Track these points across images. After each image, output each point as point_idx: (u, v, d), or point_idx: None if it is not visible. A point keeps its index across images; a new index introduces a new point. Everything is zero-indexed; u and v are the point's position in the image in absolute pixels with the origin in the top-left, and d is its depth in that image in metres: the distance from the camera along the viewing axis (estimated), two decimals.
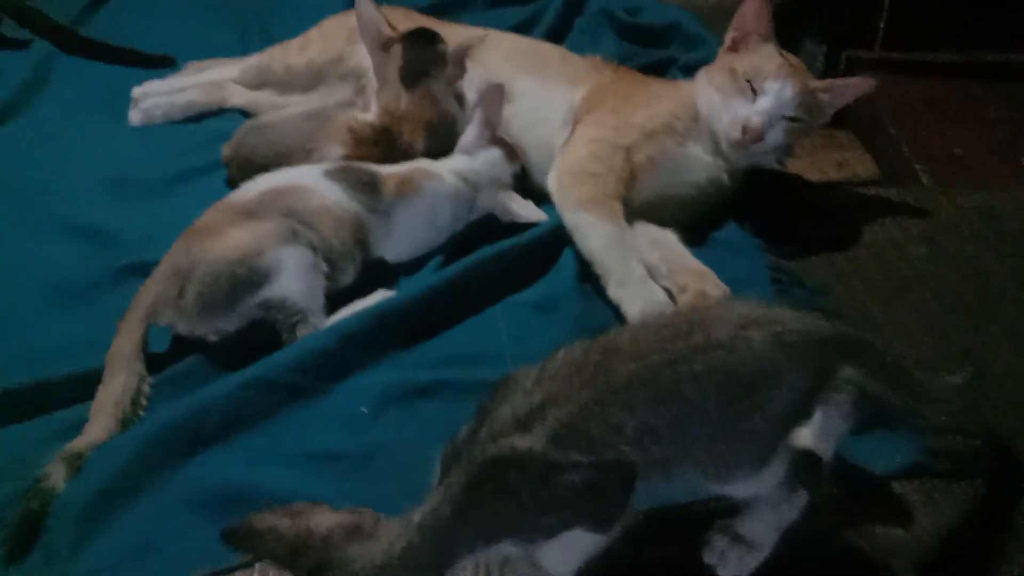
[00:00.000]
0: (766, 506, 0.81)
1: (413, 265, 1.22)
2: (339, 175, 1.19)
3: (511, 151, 1.28)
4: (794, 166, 1.45)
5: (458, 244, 1.24)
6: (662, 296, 1.12)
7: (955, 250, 1.26)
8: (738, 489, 0.79)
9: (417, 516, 0.71)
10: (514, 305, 1.16)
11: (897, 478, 0.92)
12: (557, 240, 1.21)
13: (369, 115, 1.32)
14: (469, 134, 1.28)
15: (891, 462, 0.93)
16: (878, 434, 0.94)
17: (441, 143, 1.31)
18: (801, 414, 0.76)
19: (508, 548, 0.73)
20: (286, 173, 1.20)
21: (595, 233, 1.16)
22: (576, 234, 1.18)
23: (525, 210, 1.25)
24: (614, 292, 1.13)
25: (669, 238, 1.20)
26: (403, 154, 1.29)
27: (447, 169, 1.25)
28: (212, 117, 1.60)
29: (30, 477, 0.91)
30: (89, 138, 1.56)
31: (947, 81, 1.78)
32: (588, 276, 1.18)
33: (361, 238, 1.17)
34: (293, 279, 1.07)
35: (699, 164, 1.25)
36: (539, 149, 1.32)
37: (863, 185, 1.42)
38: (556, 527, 0.73)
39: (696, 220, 1.26)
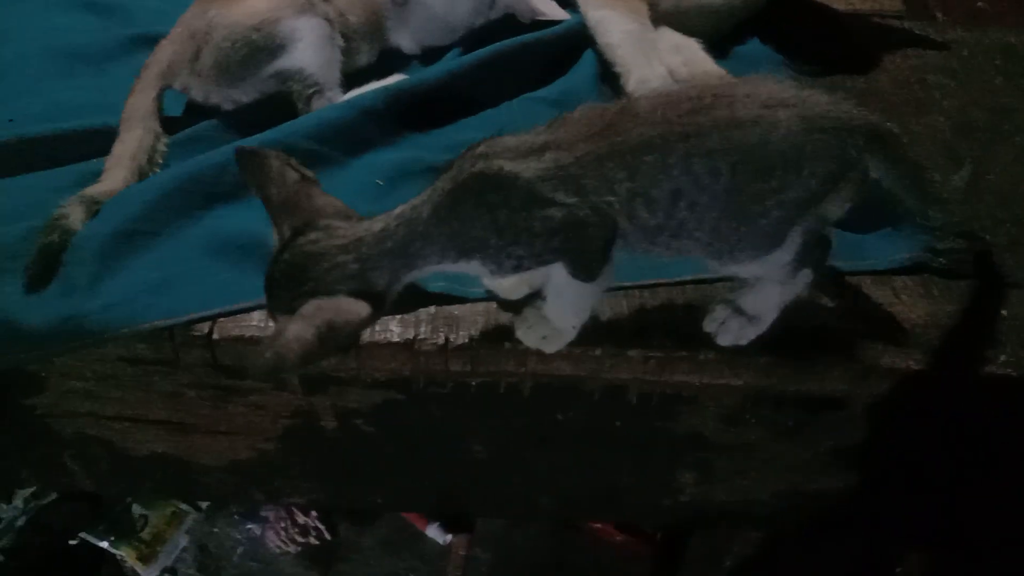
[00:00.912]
0: (771, 282, 0.83)
1: (430, 57, 1.20)
2: None
3: None
4: None
5: (476, 41, 1.21)
6: None
7: (974, 81, 1.25)
8: (743, 270, 0.81)
9: (398, 209, 0.73)
10: (531, 100, 1.15)
11: (898, 274, 0.94)
12: (578, 39, 1.19)
13: None
14: None
15: (893, 259, 0.95)
16: (881, 232, 0.97)
17: None
18: (817, 201, 0.75)
19: (477, 268, 0.75)
20: None
21: (618, 30, 1.14)
22: (598, 31, 1.16)
23: (547, 7, 1.22)
24: (632, 89, 1.12)
25: (692, 45, 1.18)
26: None
27: None
28: None
29: (48, 216, 0.92)
30: None
31: None
32: (607, 78, 1.16)
33: (378, 21, 1.15)
34: (309, 49, 1.06)
35: None
36: None
37: (888, 17, 1.40)
38: (526, 260, 0.74)
39: (720, 32, 1.24)
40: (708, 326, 0.86)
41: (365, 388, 0.91)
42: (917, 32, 1.35)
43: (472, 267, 0.76)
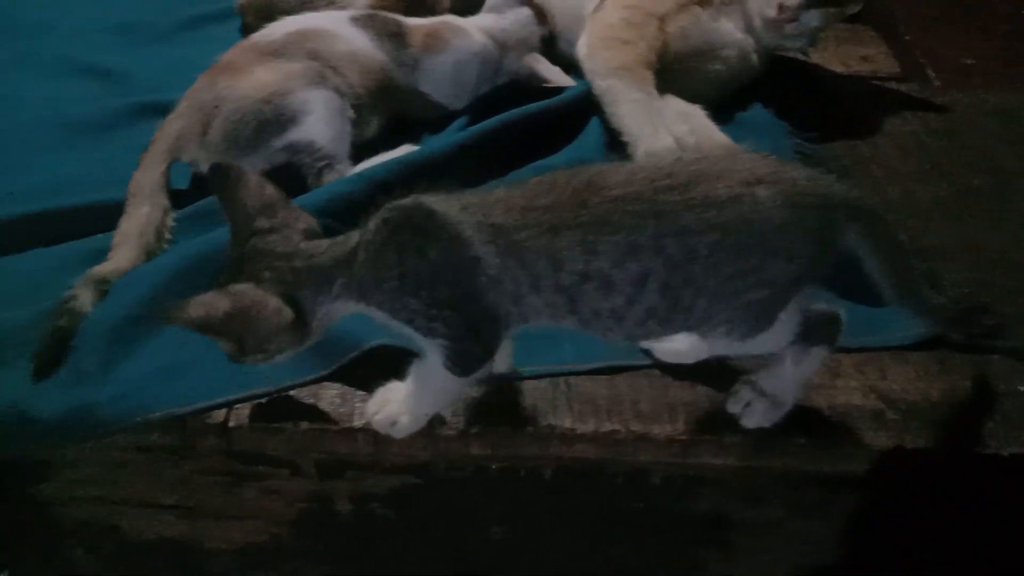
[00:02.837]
0: (788, 362, 0.81)
1: (437, 125, 1.20)
2: (366, 22, 1.16)
3: (540, 13, 1.25)
4: (818, 58, 1.44)
5: (482, 108, 1.22)
6: None
7: (972, 144, 1.27)
8: (737, 349, 0.78)
9: (339, 237, 0.74)
10: (541, 168, 1.13)
11: (915, 349, 0.94)
12: (584, 107, 1.19)
13: None
14: None
15: (909, 334, 0.95)
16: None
17: (468, 2, 1.28)
18: (800, 282, 0.74)
19: (376, 312, 0.74)
20: (312, 16, 1.17)
21: (625, 100, 1.15)
22: (606, 100, 1.16)
23: (552, 74, 1.23)
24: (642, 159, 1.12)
25: (697, 112, 1.19)
26: (430, 9, 1.26)
27: (475, 26, 1.22)
28: None
29: (55, 298, 0.89)
30: None
31: None
32: (615, 146, 1.17)
33: (387, 89, 1.15)
34: (320, 122, 1.05)
35: (730, 40, 1.24)
36: (568, 15, 1.29)
37: (885, 80, 1.42)
38: (417, 318, 0.72)
39: (723, 98, 1.25)
40: (732, 408, 0.85)
41: (383, 473, 0.89)
42: (915, 95, 1.37)
43: (372, 310, 0.74)
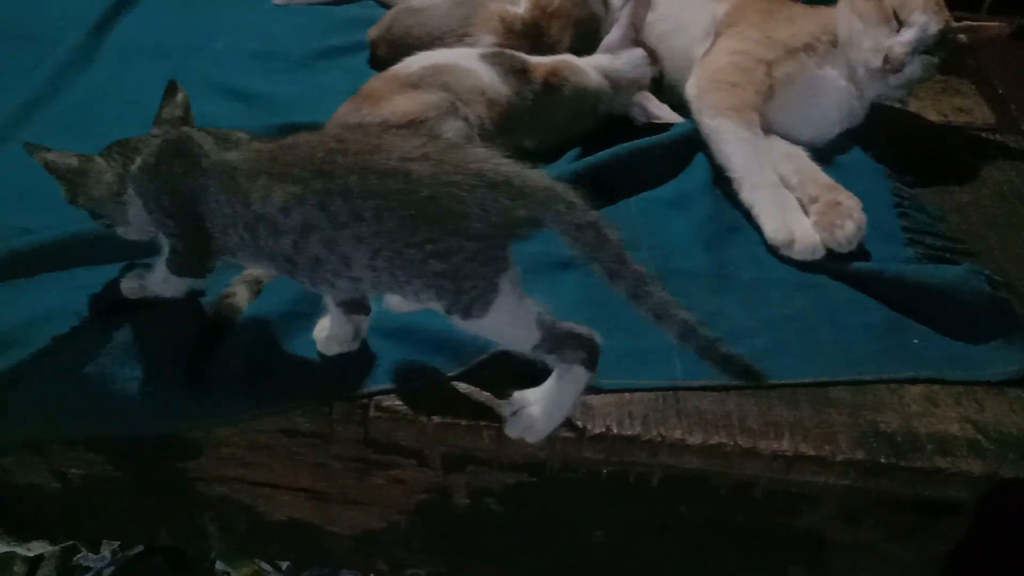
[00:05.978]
0: (553, 377, 0.85)
1: (552, 155, 1.28)
2: (494, 59, 1.25)
3: (652, 54, 1.34)
4: (915, 108, 1.49)
5: (595, 141, 1.30)
6: (794, 202, 1.17)
7: None
8: (473, 329, 0.82)
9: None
10: (648, 200, 1.22)
11: (1011, 385, 0.98)
12: (691, 144, 1.27)
13: (519, 8, 1.37)
14: (614, 34, 1.33)
15: (1006, 370, 0.99)
16: (993, 344, 1.02)
17: (584, 43, 1.37)
18: (488, 258, 0.76)
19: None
20: (445, 52, 1.26)
21: (732, 139, 1.22)
22: (713, 139, 1.24)
23: (662, 111, 1.31)
24: (747, 195, 1.19)
25: (800, 153, 1.25)
26: (549, 49, 1.35)
27: (592, 65, 1.30)
28: (350, 3, 1.67)
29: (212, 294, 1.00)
30: (230, 11, 1.64)
31: None
32: (720, 181, 1.23)
33: (509, 121, 1.24)
34: None
35: (834, 87, 1.30)
36: (677, 58, 1.36)
37: (981, 130, 1.46)
38: (155, 215, 0.85)
39: (824, 142, 1.30)
40: (503, 411, 0.88)
41: (501, 469, 0.96)
42: (1012, 146, 1.41)
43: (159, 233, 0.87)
